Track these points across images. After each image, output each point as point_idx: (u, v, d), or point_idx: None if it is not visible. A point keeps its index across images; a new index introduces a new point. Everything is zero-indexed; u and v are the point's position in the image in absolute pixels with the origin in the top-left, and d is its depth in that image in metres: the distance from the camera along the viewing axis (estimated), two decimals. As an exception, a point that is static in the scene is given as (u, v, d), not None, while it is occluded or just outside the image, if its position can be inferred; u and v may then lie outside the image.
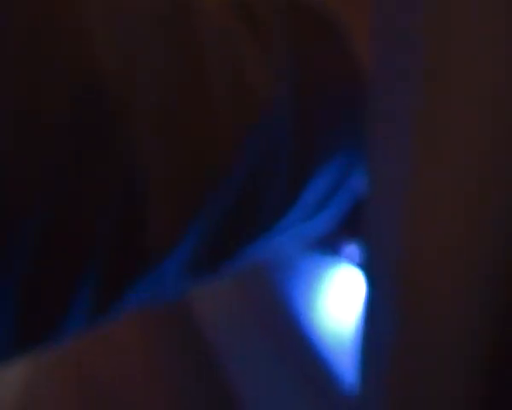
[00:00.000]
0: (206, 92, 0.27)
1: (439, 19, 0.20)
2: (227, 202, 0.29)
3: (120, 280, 0.27)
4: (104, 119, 0.24)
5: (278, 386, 0.45)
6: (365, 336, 0.34)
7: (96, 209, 0.24)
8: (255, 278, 0.48)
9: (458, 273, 0.25)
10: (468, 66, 0.21)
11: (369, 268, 0.30)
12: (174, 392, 0.52)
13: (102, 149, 0.24)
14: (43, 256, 0.24)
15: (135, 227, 0.26)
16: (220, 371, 0.47)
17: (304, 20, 0.34)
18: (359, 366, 0.36)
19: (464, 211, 0.23)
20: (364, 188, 0.38)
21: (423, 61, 0.21)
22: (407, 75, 0.22)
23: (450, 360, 0.27)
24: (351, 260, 0.47)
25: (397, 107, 0.24)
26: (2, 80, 0.21)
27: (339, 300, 0.46)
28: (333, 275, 0.47)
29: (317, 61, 0.33)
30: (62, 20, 0.22)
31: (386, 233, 0.27)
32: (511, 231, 0.24)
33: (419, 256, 0.25)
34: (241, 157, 0.29)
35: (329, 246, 0.48)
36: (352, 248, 0.47)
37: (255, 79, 0.29)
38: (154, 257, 0.27)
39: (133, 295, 0.28)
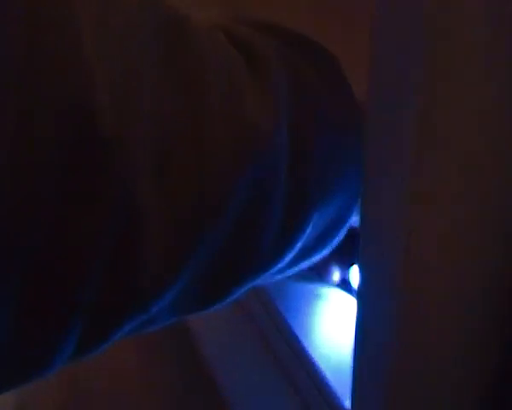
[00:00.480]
0: (205, 124, 0.26)
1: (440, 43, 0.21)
2: (221, 239, 0.28)
3: (109, 314, 0.26)
4: (97, 145, 0.23)
5: (273, 400, 0.45)
6: (359, 349, 0.34)
7: (88, 246, 0.23)
8: (252, 294, 0.49)
9: (458, 277, 0.25)
10: (467, 83, 0.22)
11: (364, 280, 0.31)
12: (169, 405, 0.52)
13: (93, 176, 0.23)
14: (31, 294, 0.23)
15: (126, 260, 0.25)
16: (217, 387, 0.47)
17: (301, 50, 0.33)
18: (353, 379, 0.36)
19: (464, 217, 0.24)
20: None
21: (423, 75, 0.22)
22: (407, 94, 0.23)
23: (449, 364, 0.28)
24: (336, 282, 0.48)
25: (395, 128, 0.24)
26: None
27: (330, 318, 0.46)
28: (322, 295, 0.48)
29: (314, 92, 0.32)
30: (59, 47, 0.22)
31: (385, 244, 0.27)
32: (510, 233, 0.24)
33: (419, 261, 0.25)
34: (239, 193, 0.28)
35: (316, 269, 0.49)
36: (337, 271, 0.48)
37: (255, 113, 0.28)
38: (147, 296, 0.26)
39: (121, 328, 0.27)
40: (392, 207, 0.25)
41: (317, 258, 0.37)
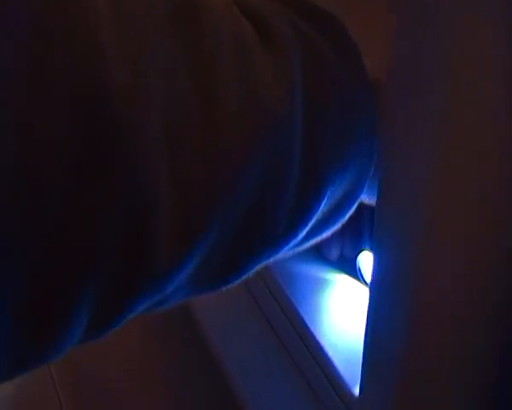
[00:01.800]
0: (218, 103, 0.26)
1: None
2: (236, 215, 0.28)
3: (123, 296, 0.26)
4: (110, 130, 0.23)
5: (280, 386, 0.45)
6: (370, 342, 0.34)
7: (98, 223, 0.23)
8: (259, 280, 0.49)
9: (477, 269, 0.25)
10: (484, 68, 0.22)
11: (379, 269, 0.31)
12: (173, 393, 0.52)
13: (106, 161, 0.23)
14: (43, 271, 0.23)
15: (139, 242, 0.25)
16: (224, 375, 0.47)
17: (315, 22, 0.33)
18: (363, 370, 0.36)
19: (484, 208, 0.24)
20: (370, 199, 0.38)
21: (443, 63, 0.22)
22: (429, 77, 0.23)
23: (460, 355, 0.28)
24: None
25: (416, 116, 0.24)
26: (8, 88, 0.20)
27: (338, 305, 0.46)
28: (330, 282, 0.47)
29: (326, 67, 0.32)
30: (74, 32, 0.22)
31: (399, 241, 0.27)
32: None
33: (438, 252, 0.25)
34: (253, 167, 0.28)
35: (330, 254, 0.48)
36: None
37: (269, 86, 0.28)
38: (160, 274, 0.26)
39: (135, 308, 0.27)
40: (412, 195, 0.25)
41: (328, 232, 0.37)
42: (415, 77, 0.24)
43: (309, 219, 0.32)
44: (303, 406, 0.44)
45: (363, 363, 0.36)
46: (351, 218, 0.37)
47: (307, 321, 0.44)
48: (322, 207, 0.33)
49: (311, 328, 0.44)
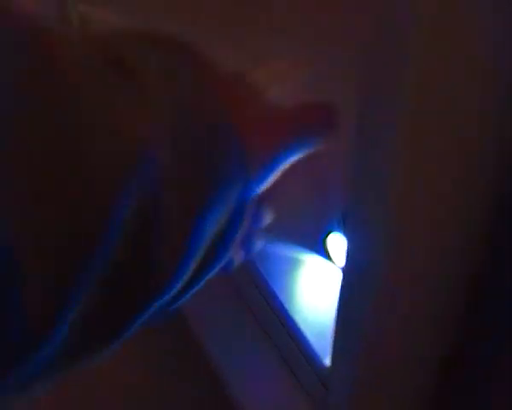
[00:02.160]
0: (77, 149, 0.24)
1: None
2: (109, 263, 0.25)
3: None
4: None
5: (257, 360, 0.48)
6: (341, 319, 0.37)
7: None
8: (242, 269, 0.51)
9: (443, 251, 0.28)
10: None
11: (350, 259, 0.34)
12: (155, 369, 0.53)
13: None
14: None
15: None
16: (202, 352, 0.49)
17: (179, 60, 0.31)
18: (334, 343, 0.40)
19: (450, 194, 0.26)
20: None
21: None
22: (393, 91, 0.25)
23: (420, 330, 0.31)
24: (325, 252, 0.51)
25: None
26: None
27: (310, 283, 0.49)
28: (303, 261, 0.51)
29: (194, 102, 0.31)
30: None
31: (371, 229, 0.30)
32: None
33: (407, 235, 0.28)
34: (120, 210, 0.25)
35: (306, 240, 0.51)
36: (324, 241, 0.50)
37: (130, 126, 0.26)
38: (29, 341, 0.23)
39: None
40: (382, 179, 0.27)
41: (224, 259, 0.33)
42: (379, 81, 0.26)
43: (190, 258, 0.30)
44: (277, 376, 0.47)
45: (334, 337, 0.39)
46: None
47: (281, 298, 0.47)
48: (205, 242, 0.30)
49: (286, 305, 0.47)
